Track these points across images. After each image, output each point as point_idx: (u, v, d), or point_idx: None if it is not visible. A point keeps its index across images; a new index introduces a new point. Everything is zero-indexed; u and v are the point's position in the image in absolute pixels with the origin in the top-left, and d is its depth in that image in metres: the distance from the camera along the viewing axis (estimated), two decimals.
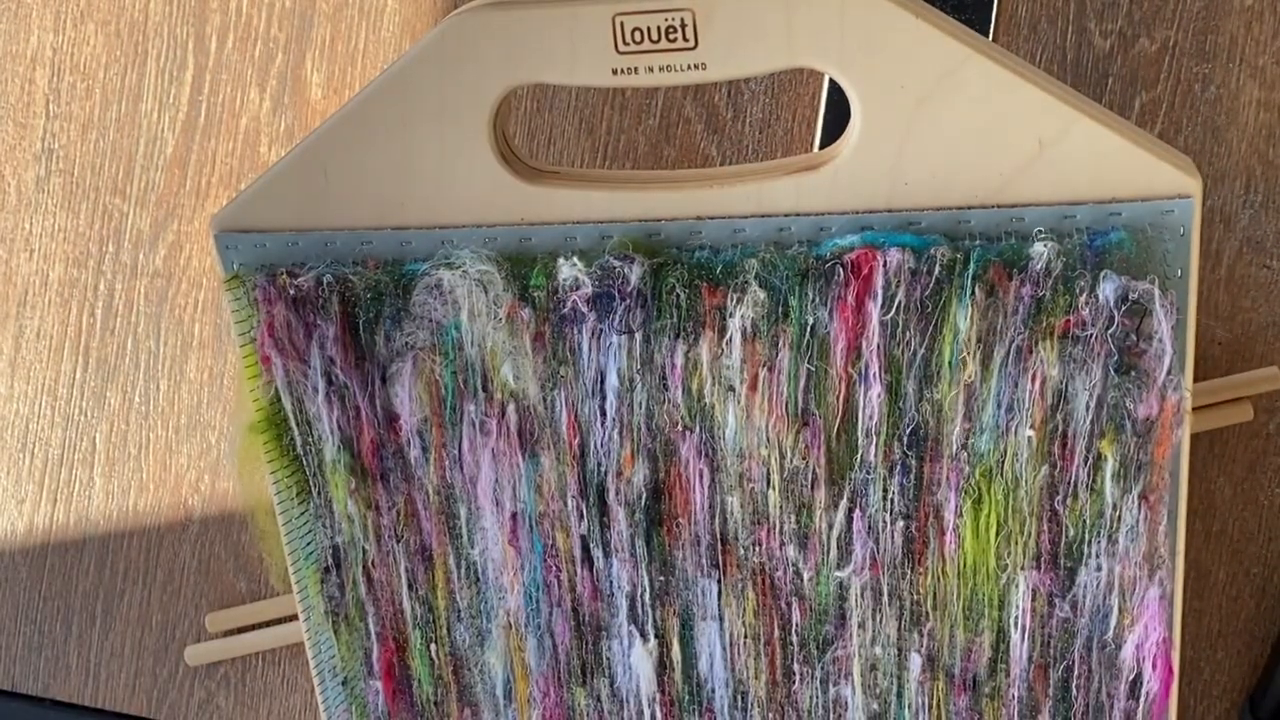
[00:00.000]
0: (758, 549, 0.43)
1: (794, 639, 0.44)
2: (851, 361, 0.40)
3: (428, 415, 0.43)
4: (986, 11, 0.55)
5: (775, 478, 0.42)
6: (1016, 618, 0.43)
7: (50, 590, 0.66)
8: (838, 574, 0.43)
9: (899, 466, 0.41)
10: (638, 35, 0.38)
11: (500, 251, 0.41)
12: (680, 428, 0.42)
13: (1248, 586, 0.55)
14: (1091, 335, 0.39)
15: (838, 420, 0.41)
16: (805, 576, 0.43)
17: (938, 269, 0.39)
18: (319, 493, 0.45)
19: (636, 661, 0.45)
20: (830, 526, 0.42)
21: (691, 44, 0.38)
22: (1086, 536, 0.41)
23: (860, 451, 0.41)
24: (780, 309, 0.40)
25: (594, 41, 0.38)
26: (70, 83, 0.63)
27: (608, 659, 0.46)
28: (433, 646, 0.47)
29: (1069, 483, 0.41)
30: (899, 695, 0.45)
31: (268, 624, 0.63)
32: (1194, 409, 0.49)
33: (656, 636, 0.45)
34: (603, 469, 0.43)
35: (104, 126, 0.63)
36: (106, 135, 0.63)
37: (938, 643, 0.44)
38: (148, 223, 0.63)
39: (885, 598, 0.43)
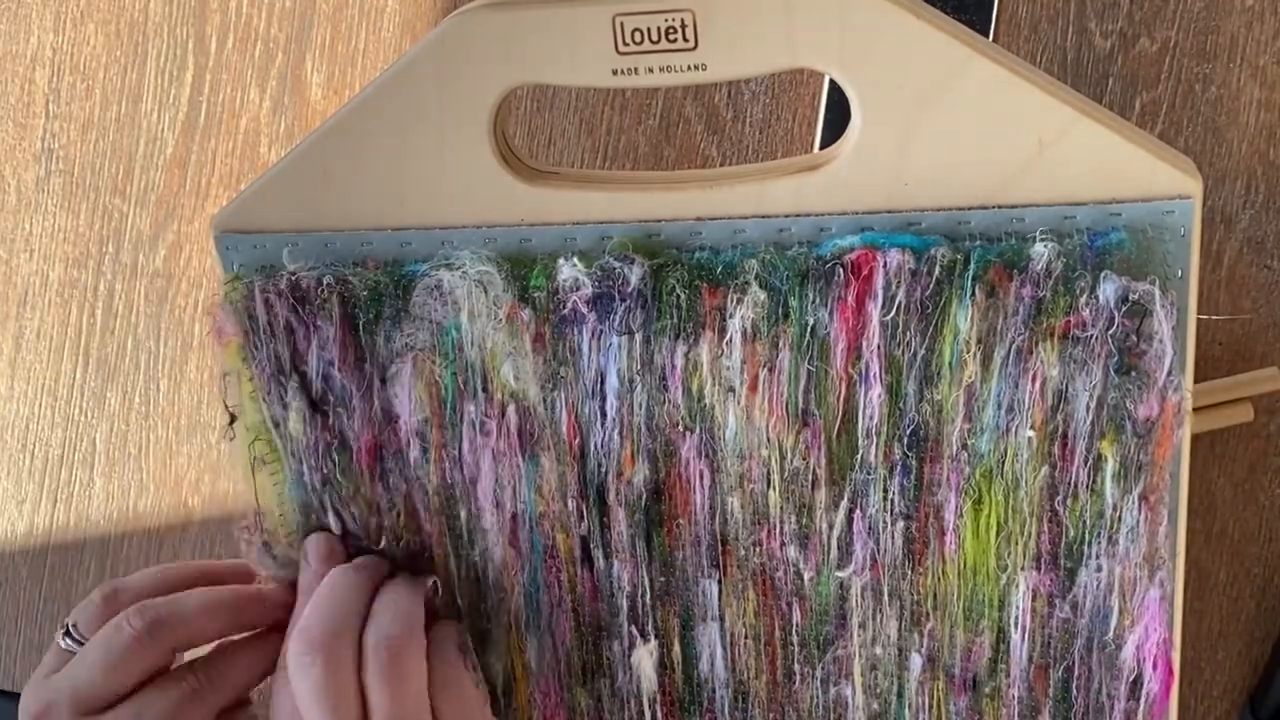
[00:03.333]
0: (758, 549, 0.43)
1: (794, 639, 0.44)
2: (852, 362, 0.40)
3: (428, 416, 0.43)
4: (986, 11, 0.55)
5: (775, 478, 0.42)
6: (1016, 618, 0.43)
7: (50, 590, 0.66)
8: (838, 574, 0.43)
9: (899, 467, 0.41)
10: (638, 35, 0.38)
11: (500, 252, 0.41)
12: (680, 428, 0.42)
13: (1248, 587, 0.55)
14: (1092, 336, 0.39)
15: (838, 421, 0.41)
16: (806, 577, 0.43)
17: (938, 269, 0.39)
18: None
19: (637, 662, 0.45)
20: (831, 527, 0.42)
21: (691, 44, 0.38)
22: (1087, 537, 0.41)
23: (860, 452, 0.41)
24: (780, 309, 0.40)
25: (594, 41, 0.38)
26: (70, 83, 0.63)
27: (608, 659, 0.46)
28: None
29: (1069, 483, 0.41)
30: (899, 695, 0.45)
31: None
32: (1194, 409, 0.49)
33: (657, 637, 0.45)
34: (603, 469, 0.43)
35: (104, 126, 0.63)
36: (106, 135, 0.63)
37: (938, 643, 0.44)
38: (148, 223, 0.63)
39: (886, 598, 0.43)
